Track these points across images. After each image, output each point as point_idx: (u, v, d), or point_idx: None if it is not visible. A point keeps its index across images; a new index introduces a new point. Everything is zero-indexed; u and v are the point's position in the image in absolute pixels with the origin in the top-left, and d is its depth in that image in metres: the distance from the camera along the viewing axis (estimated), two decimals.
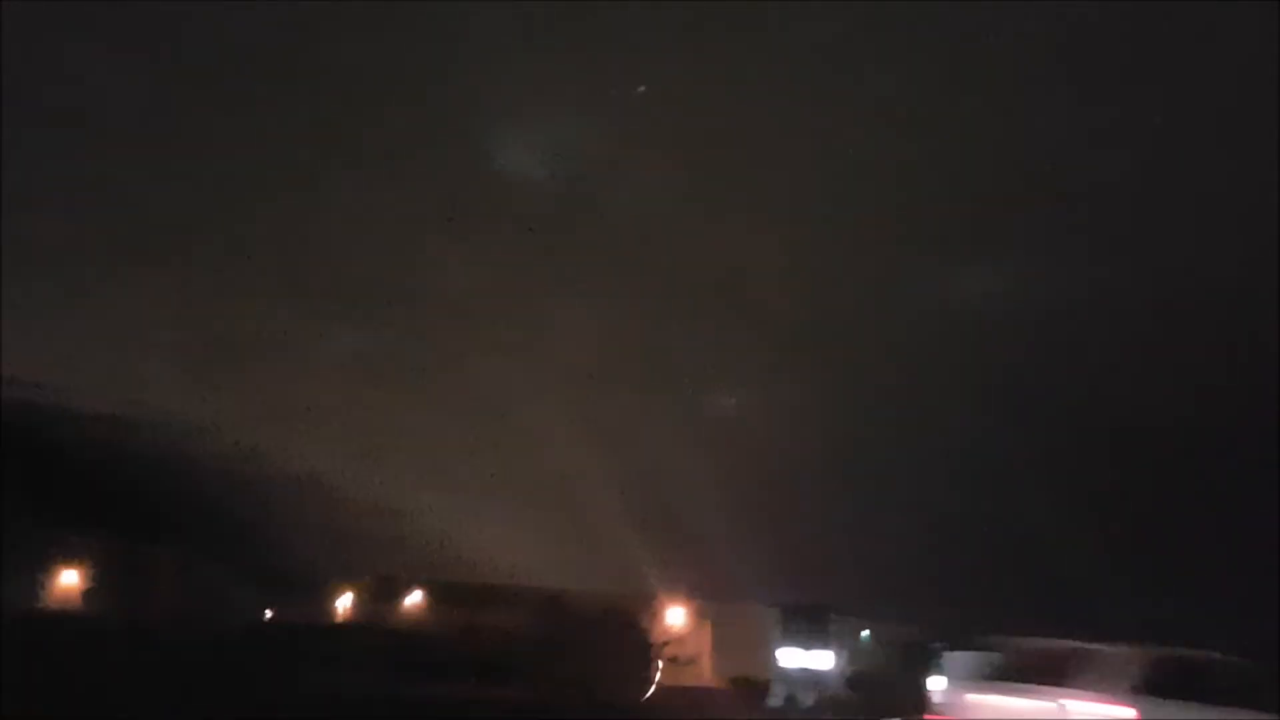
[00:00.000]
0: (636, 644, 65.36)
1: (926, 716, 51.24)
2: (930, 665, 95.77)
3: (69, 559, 54.47)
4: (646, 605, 71.46)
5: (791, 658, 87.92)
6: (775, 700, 71.86)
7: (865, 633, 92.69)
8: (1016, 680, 35.98)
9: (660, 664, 67.00)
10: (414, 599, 72.51)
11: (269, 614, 65.07)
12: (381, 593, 72.58)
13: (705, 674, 76.14)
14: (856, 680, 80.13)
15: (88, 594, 52.93)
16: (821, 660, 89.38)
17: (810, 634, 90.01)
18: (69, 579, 53.80)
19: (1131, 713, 32.43)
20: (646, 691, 63.57)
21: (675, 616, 75.30)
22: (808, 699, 74.79)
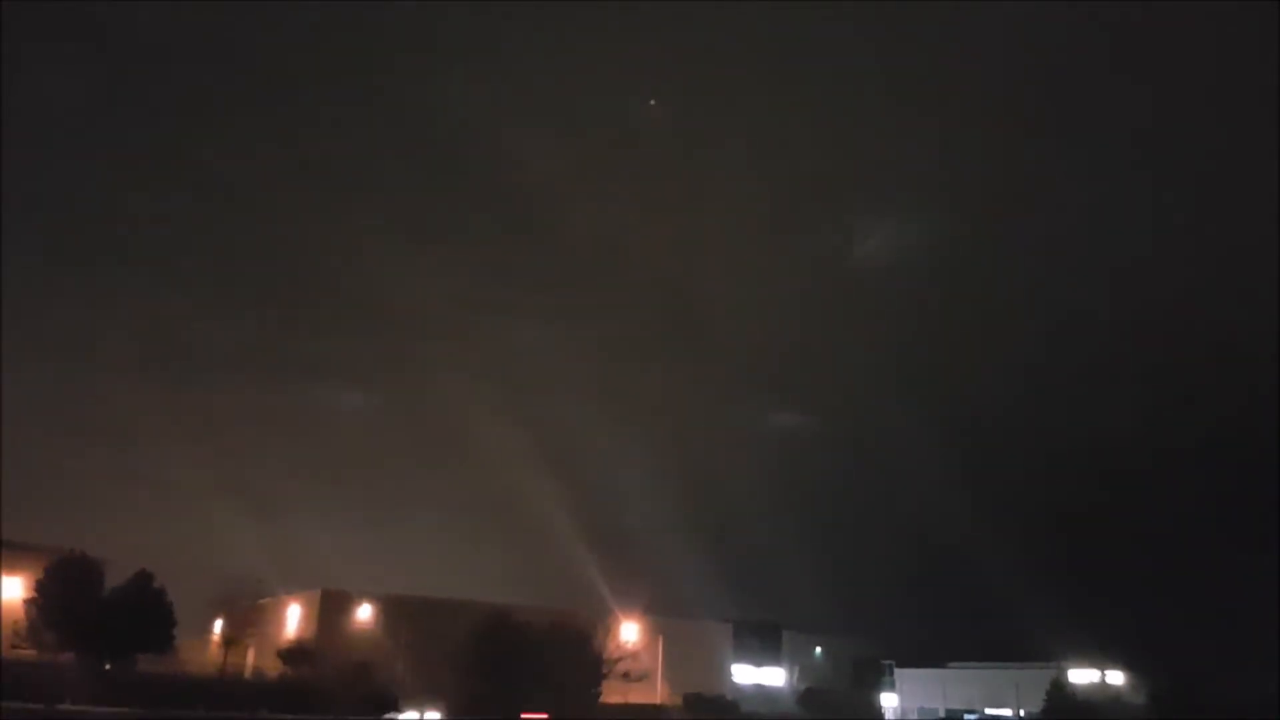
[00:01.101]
0: (585, 658, 65.22)
1: None
2: (881, 681, 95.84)
3: None
4: (597, 620, 71.27)
5: (744, 674, 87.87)
6: (728, 715, 71.77)
7: (818, 649, 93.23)
8: None
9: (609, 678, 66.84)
10: (364, 613, 71.72)
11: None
12: (332, 607, 71.91)
13: (657, 689, 75.97)
14: (809, 696, 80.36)
15: None
16: (774, 676, 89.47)
17: (763, 650, 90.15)
18: None
19: None
20: (594, 706, 63.37)
21: (628, 632, 75.14)
22: (761, 714, 74.61)
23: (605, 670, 66.85)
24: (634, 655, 71.29)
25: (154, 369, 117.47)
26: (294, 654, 64.85)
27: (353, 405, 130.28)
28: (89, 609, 54.77)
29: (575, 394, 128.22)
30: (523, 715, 50.34)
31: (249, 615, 70.79)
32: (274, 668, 64.95)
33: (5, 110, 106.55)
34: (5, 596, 60.34)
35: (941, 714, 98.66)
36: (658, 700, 74.19)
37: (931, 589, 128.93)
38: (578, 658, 65.06)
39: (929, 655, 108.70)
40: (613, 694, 67.47)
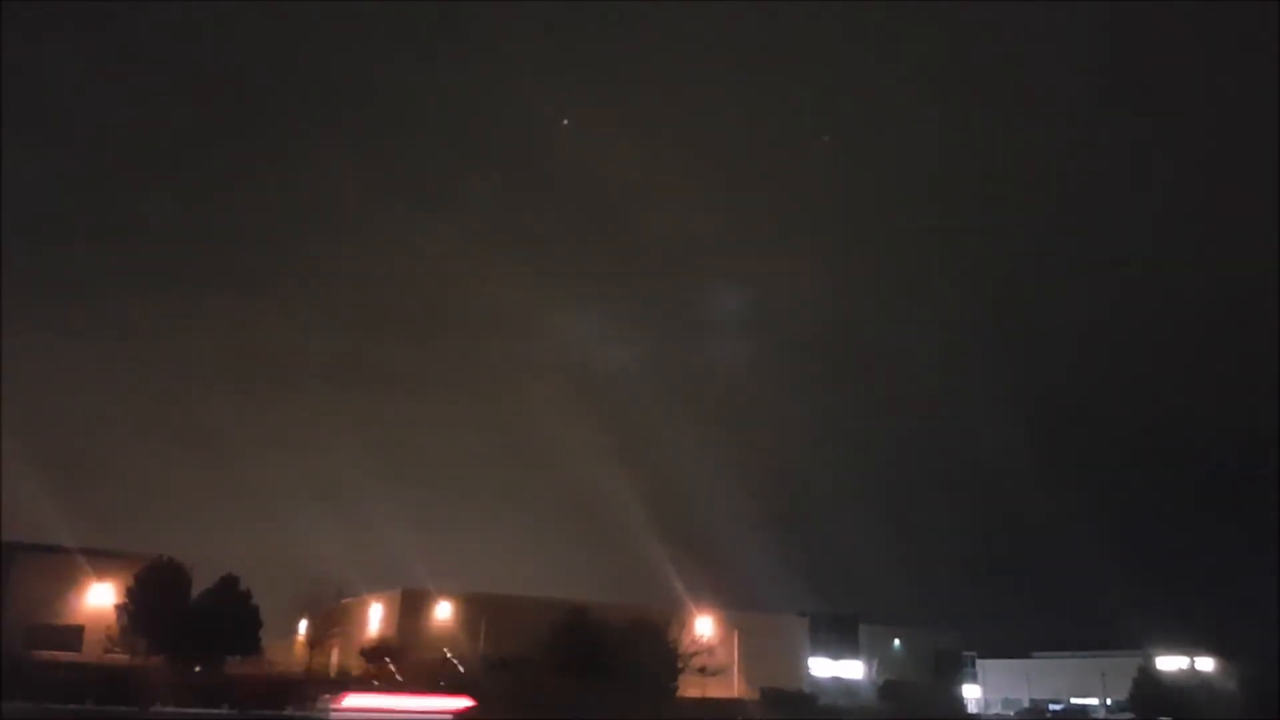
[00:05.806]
0: (662, 654, 65.31)
1: None
2: (963, 673, 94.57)
3: None
4: (673, 616, 71.34)
5: (822, 667, 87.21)
6: (806, 709, 71.38)
7: (896, 641, 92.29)
8: None
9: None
10: (444, 611, 72.64)
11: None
12: (413, 606, 72.98)
13: (734, 684, 75.86)
14: (888, 689, 79.54)
15: None
16: (852, 669, 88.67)
17: (840, 643, 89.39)
18: None
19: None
20: (672, 701, 63.43)
21: (703, 627, 75.10)
22: (839, 707, 74.08)
23: (682, 665, 66.90)
24: (710, 650, 71.28)
25: (240, 380, 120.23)
26: (376, 653, 65.87)
27: (430, 409, 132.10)
28: (178, 613, 56.20)
29: (647, 391, 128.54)
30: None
31: (332, 616, 72.09)
32: (358, 667, 66.03)
33: (110, 139, 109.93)
34: (98, 603, 62.23)
35: (1026, 704, 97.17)
36: (735, 694, 74.08)
37: (1012, 580, 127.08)
38: (654, 653, 65.19)
39: (1011, 646, 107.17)
40: (690, 689, 67.52)
